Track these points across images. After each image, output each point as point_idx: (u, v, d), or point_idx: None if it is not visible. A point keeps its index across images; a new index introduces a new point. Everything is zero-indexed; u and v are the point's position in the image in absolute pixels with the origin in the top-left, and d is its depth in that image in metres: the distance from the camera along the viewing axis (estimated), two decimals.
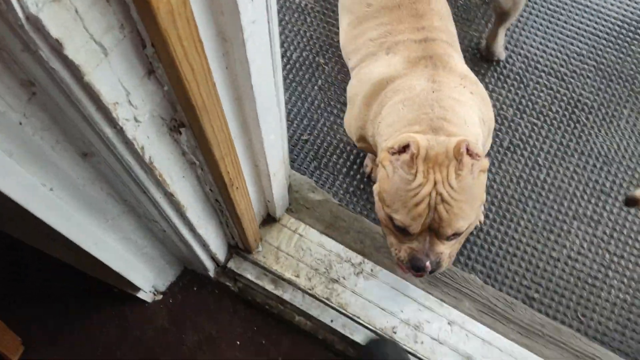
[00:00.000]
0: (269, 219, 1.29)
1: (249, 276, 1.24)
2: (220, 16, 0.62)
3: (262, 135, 0.89)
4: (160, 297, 1.28)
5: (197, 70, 0.60)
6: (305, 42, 1.69)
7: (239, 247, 1.23)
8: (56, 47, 0.48)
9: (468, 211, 0.94)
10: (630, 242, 1.41)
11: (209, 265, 1.21)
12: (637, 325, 1.32)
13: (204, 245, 1.10)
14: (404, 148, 0.94)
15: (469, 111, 1.03)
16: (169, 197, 0.83)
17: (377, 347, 1.17)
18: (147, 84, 0.61)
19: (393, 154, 0.96)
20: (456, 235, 0.97)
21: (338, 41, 1.67)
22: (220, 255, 1.21)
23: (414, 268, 0.99)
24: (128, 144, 0.64)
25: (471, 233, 1.40)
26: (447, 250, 0.99)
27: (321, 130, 1.57)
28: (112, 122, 0.59)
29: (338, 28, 1.68)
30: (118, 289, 1.25)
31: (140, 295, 1.21)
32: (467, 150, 0.92)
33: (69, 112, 0.58)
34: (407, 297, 1.24)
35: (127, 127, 0.61)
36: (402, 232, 0.98)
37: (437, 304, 1.24)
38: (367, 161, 1.48)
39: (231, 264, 1.25)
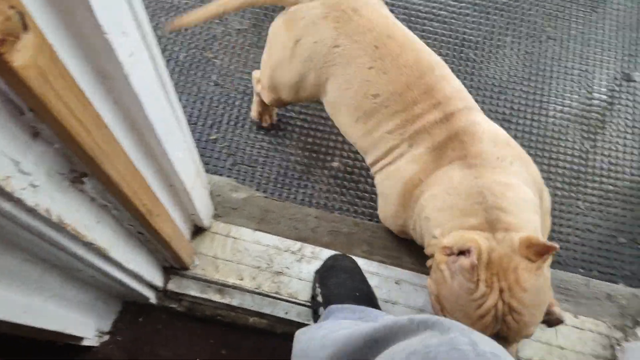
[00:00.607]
0: (198, 231, 1.26)
1: (192, 293, 1.22)
2: (96, 57, 0.58)
3: (169, 157, 0.86)
4: (107, 337, 1.23)
5: (85, 121, 0.56)
6: (188, 40, 1.63)
7: (174, 267, 1.20)
8: None
9: (539, 316, 0.86)
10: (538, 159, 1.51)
11: (149, 293, 1.17)
12: (558, 240, 1.42)
13: (138, 278, 1.06)
14: (463, 252, 0.85)
15: (519, 192, 0.95)
16: (89, 246, 0.79)
17: (335, 259, 1.22)
18: (35, 147, 0.56)
19: (450, 254, 0.88)
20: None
21: (222, 32, 1.63)
22: (158, 281, 1.17)
23: None
24: (31, 211, 0.60)
25: None
26: (514, 350, 0.89)
27: (228, 125, 1.54)
28: (8, 196, 0.55)
29: (219, 21, 1.65)
30: (61, 343, 1.19)
31: (86, 342, 1.16)
32: (534, 246, 0.83)
33: None
34: None
35: (25, 196, 0.57)
36: None
37: (382, 267, 1.28)
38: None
39: (171, 286, 1.22)
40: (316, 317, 1.16)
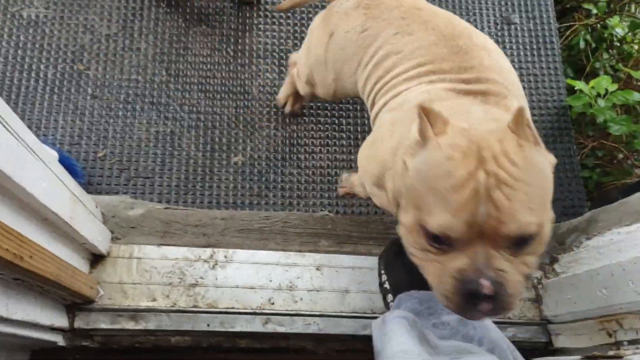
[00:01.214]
0: (97, 258, 1.16)
1: (103, 326, 1.12)
2: None
3: (28, 191, 0.77)
4: None
5: None
6: (54, 55, 1.50)
7: (77, 303, 1.10)
8: None
9: (537, 201, 0.64)
10: None
11: (54, 337, 1.07)
12: None
13: (33, 325, 0.96)
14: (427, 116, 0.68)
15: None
16: None
17: (399, 245, 1.08)
18: None
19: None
20: (524, 241, 0.64)
21: (91, 40, 1.51)
22: (61, 322, 1.07)
23: (466, 294, 0.65)
24: None
25: None
26: (511, 268, 0.65)
27: (114, 138, 1.43)
28: None
29: (84, 29, 1.52)
30: None
31: None
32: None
33: None
34: (270, 264, 1.22)
35: None
36: (443, 245, 0.67)
37: (299, 256, 1.23)
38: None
39: (79, 323, 1.12)
40: (386, 302, 1.12)
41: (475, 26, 1.60)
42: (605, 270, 1.03)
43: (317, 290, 1.20)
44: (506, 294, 0.64)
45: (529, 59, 1.59)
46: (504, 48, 1.60)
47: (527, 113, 0.73)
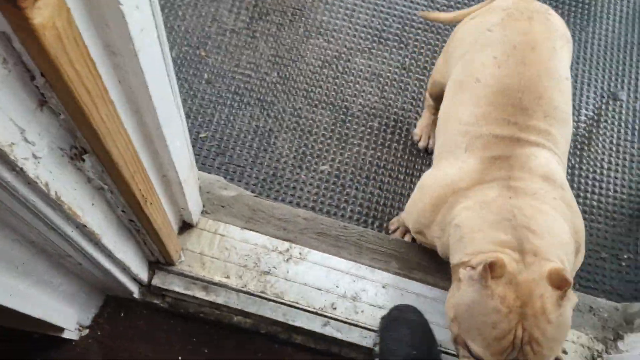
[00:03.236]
0: (185, 226, 1.24)
1: (176, 289, 1.19)
2: (106, 29, 0.57)
3: (167, 144, 0.85)
4: (86, 331, 1.20)
5: (94, 92, 0.55)
6: (181, 37, 1.62)
7: (160, 262, 1.18)
8: None
9: (556, 351, 0.79)
10: None
11: (133, 287, 1.15)
12: None
13: (125, 270, 1.04)
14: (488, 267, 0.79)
15: (554, 220, 0.89)
16: (82, 228, 0.77)
17: (400, 310, 1.16)
18: (40, 117, 0.55)
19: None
20: None
21: (217, 31, 1.62)
22: (143, 275, 1.15)
23: None
24: (31, 184, 0.58)
25: None
26: None
27: (218, 124, 1.52)
28: (11, 164, 0.53)
29: (213, 20, 1.64)
30: (39, 334, 1.16)
31: (66, 335, 1.12)
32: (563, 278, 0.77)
33: None
34: (339, 271, 1.26)
35: (27, 166, 0.55)
36: None
37: (369, 271, 1.27)
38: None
39: (156, 281, 1.19)
40: None
41: (580, 95, 1.63)
42: None
43: (380, 307, 1.24)
44: None
45: (629, 138, 1.60)
46: (605, 122, 1.62)
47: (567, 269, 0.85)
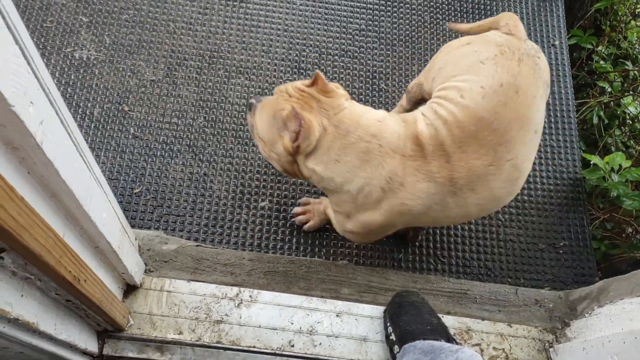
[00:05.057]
0: (130, 289, 1.22)
1: (130, 354, 1.17)
2: (3, 129, 0.57)
3: (92, 219, 0.84)
4: None
5: None
6: (102, 95, 1.60)
7: (108, 330, 1.15)
8: None
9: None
10: None
11: None
12: (484, 253, 1.49)
13: (72, 347, 1.01)
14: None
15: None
16: (14, 322, 0.75)
17: (402, 296, 1.24)
18: None
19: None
20: None
21: (137, 84, 1.61)
22: (93, 347, 1.12)
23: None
24: None
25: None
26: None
27: (151, 176, 1.51)
28: None
29: (132, 73, 1.63)
30: None
31: None
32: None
33: None
34: (292, 307, 1.27)
35: None
36: None
37: (321, 302, 1.29)
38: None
39: (107, 350, 1.17)
40: (393, 354, 1.17)
41: None
42: (617, 338, 1.08)
43: (336, 337, 1.25)
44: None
45: (547, 131, 1.68)
46: None
47: None
